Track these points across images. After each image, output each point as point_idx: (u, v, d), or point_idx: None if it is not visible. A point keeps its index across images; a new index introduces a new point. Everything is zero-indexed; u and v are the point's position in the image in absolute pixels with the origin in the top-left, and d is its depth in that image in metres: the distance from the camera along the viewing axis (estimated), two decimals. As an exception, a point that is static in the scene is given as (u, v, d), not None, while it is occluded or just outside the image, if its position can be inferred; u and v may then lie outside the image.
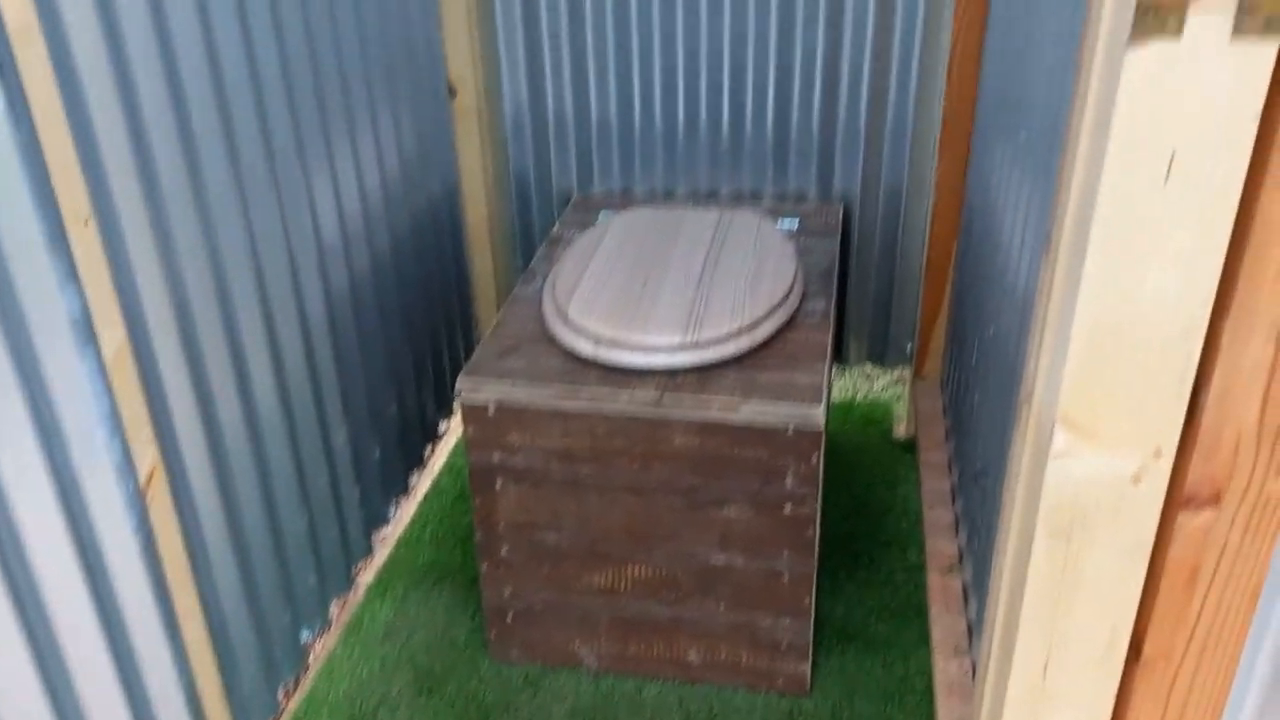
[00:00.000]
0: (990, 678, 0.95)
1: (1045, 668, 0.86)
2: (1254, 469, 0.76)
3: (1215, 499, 0.77)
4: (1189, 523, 0.78)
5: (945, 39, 1.82)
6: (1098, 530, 0.80)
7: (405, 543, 1.88)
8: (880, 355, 2.14)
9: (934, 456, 1.85)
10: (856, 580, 1.77)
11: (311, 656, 1.63)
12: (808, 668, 1.55)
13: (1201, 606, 0.81)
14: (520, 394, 1.43)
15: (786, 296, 1.55)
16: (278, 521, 1.44)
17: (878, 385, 2.32)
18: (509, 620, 1.60)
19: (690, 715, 1.55)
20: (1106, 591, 0.82)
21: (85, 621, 1.01)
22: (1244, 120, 0.65)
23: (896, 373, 2.32)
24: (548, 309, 1.56)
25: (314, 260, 1.49)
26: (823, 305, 1.60)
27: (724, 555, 1.48)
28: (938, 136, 1.89)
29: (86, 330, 0.95)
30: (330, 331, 1.55)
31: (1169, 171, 0.67)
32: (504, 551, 1.54)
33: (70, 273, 0.92)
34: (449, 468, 2.08)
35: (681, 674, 1.60)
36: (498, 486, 1.50)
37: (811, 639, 1.55)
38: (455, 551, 1.86)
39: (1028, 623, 0.84)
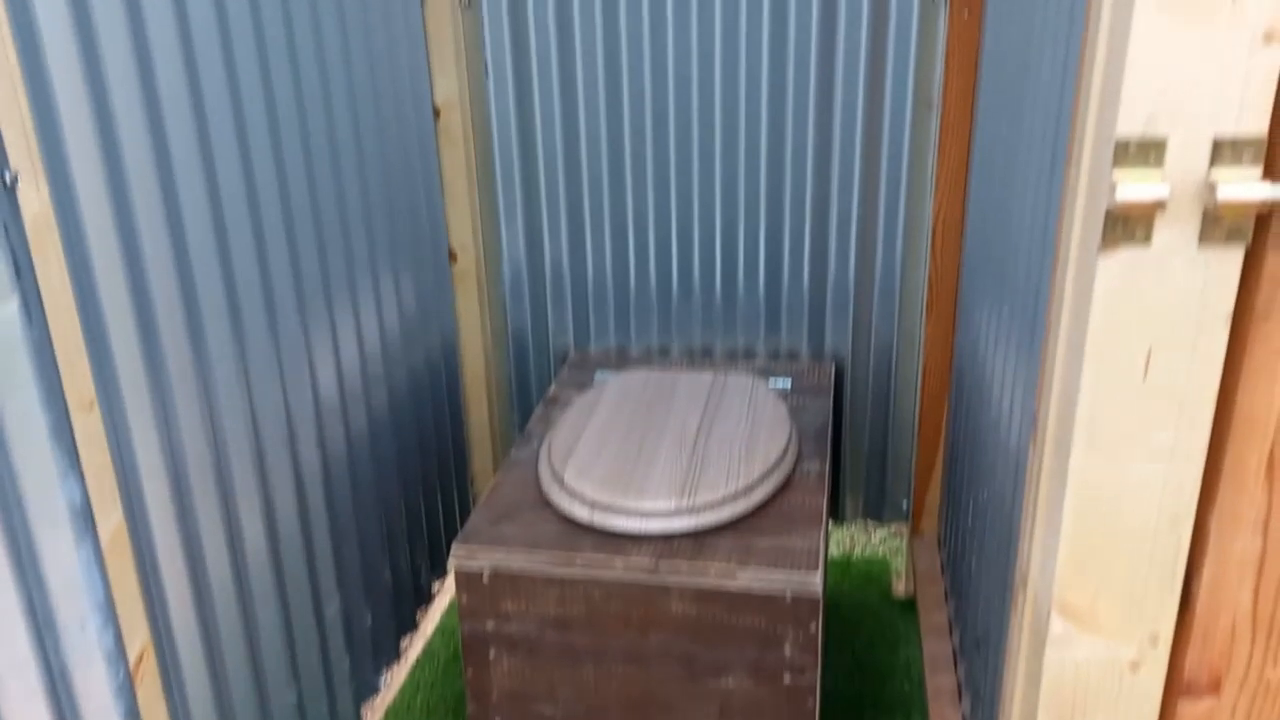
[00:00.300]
0: None
1: None
2: (1251, 657, 0.75)
3: (1215, 687, 0.77)
4: (1189, 710, 0.77)
5: (928, 205, 1.89)
6: (1099, 717, 0.79)
7: (395, 712, 1.83)
8: (877, 512, 2.14)
9: (935, 618, 1.82)
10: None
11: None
12: (812, 847, 1.49)
13: (1211, 799, 0.79)
14: (515, 561, 1.42)
15: (781, 459, 1.56)
16: (266, 697, 1.41)
17: (875, 539, 2.31)
18: (502, 796, 1.55)
19: None
20: (1113, 783, 0.80)
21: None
22: (1217, 319, 0.68)
23: (893, 528, 2.31)
24: (544, 473, 1.56)
25: (312, 425, 1.50)
26: (818, 466, 1.61)
27: (723, 727, 1.44)
28: (925, 296, 1.94)
29: (86, 519, 0.96)
30: (326, 498, 1.55)
31: (1147, 369, 0.70)
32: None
33: (72, 461, 0.93)
34: (441, 629, 2.04)
35: None
36: (491, 656, 1.47)
37: (815, 815, 1.49)
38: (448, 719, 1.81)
39: (1035, 816, 0.82)
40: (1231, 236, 0.66)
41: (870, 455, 2.09)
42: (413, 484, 1.87)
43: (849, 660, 1.92)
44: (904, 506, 2.10)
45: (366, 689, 1.74)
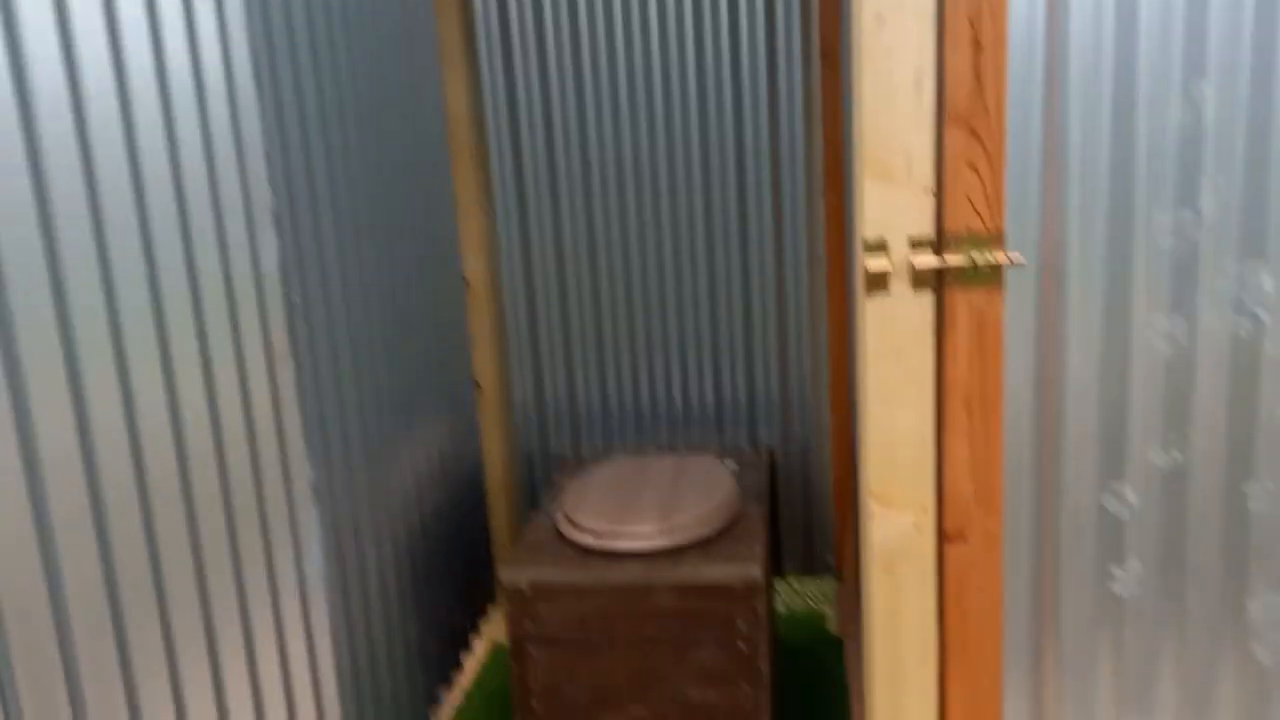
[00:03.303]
0: (868, 679, 1.50)
1: (893, 660, 1.42)
2: (977, 515, 1.38)
3: (963, 536, 1.39)
4: (951, 551, 1.39)
5: (823, 328, 2.59)
6: (902, 562, 1.40)
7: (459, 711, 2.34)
8: (810, 567, 2.74)
9: (855, 646, 2.40)
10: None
11: (381, 812, 2.05)
12: (771, 785, 2.02)
13: (969, 606, 1.40)
14: (546, 575, 2.01)
15: (729, 501, 2.18)
16: (378, 676, 1.95)
17: (812, 594, 2.89)
18: (538, 767, 2.06)
19: (684, 832, 1.98)
20: (917, 603, 1.41)
21: None
22: (927, 330, 1.35)
23: (825, 580, 2.90)
24: (559, 519, 2.17)
25: (385, 522, 2.11)
26: (757, 511, 2.23)
27: (700, 691, 2.00)
28: (828, 396, 2.61)
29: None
30: (409, 557, 2.14)
31: (898, 358, 1.36)
32: (535, 706, 2.04)
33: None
34: (477, 681, 2.56)
35: (674, 801, 2.05)
36: (530, 652, 2.03)
37: (771, 762, 2.03)
38: (486, 737, 2.32)
39: (878, 631, 1.42)
40: (925, 285, 1.33)
41: (802, 521, 2.71)
42: (456, 562, 2.45)
43: (799, 686, 2.47)
44: (829, 561, 2.70)
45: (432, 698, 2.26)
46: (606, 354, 2.68)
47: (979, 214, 1.29)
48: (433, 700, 2.32)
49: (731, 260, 2.59)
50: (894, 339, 1.35)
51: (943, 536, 1.40)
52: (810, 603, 2.86)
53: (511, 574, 2.02)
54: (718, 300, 2.61)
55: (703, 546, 2.05)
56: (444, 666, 2.40)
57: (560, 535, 2.15)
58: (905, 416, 1.37)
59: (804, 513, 2.70)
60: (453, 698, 2.47)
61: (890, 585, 1.40)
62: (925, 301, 1.33)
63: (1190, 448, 1.35)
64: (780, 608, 2.84)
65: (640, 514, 2.11)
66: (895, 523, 1.39)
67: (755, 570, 1.95)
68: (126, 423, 1.22)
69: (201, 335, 1.38)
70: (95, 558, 1.16)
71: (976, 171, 1.28)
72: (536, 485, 2.77)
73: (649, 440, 2.70)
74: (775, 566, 2.73)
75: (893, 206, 1.30)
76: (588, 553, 2.06)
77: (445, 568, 2.42)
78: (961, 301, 1.33)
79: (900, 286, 1.33)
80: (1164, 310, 1.32)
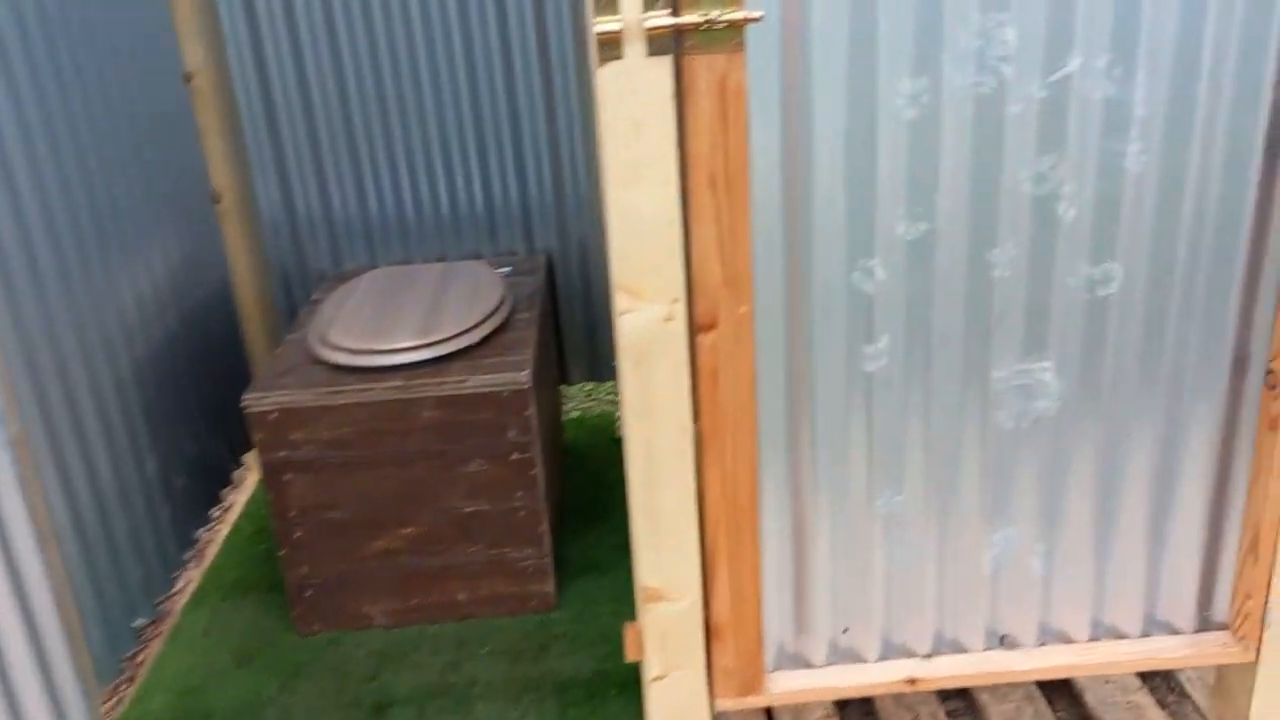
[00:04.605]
0: (629, 478, 1.45)
1: (648, 455, 1.37)
2: (727, 301, 1.31)
3: (713, 323, 1.32)
4: (703, 341, 1.33)
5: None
6: (654, 356, 1.33)
7: (212, 569, 2.21)
8: (597, 374, 2.69)
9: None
10: (593, 529, 2.26)
11: (141, 656, 1.93)
12: (552, 587, 2.01)
13: (723, 396, 1.35)
14: (295, 398, 1.85)
15: (499, 307, 2.06)
16: (108, 514, 1.78)
17: (608, 398, 2.86)
18: (308, 595, 1.97)
19: (464, 643, 1.96)
20: (670, 396, 1.35)
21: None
22: (667, 98, 1.22)
23: (611, 385, 2.88)
24: (312, 339, 2.00)
25: (122, 339, 1.87)
26: (528, 314, 2.12)
27: (473, 504, 1.93)
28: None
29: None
30: (138, 387, 1.93)
31: (638, 133, 1.23)
32: (297, 534, 1.93)
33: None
34: (245, 514, 2.42)
35: (455, 613, 2.01)
36: (286, 479, 1.90)
37: (553, 565, 2.01)
38: (256, 570, 2.21)
39: (631, 427, 1.36)
40: (655, 50, 1.20)
41: (584, 327, 2.63)
42: (206, 388, 2.25)
43: (587, 481, 2.46)
44: (614, 366, 2.66)
45: (185, 541, 2.11)
46: (362, 160, 2.44)
47: (715, -37, 1.15)
48: (189, 543, 2.17)
49: (491, 48, 2.37)
50: (632, 112, 1.22)
51: (694, 326, 1.32)
52: (606, 407, 2.84)
53: (256, 400, 1.85)
54: (480, 96, 2.40)
55: (470, 356, 1.94)
56: (201, 504, 2.24)
57: (313, 355, 1.98)
58: (649, 199, 1.26)
59: (585, 316, 2.63)
60: (214, 535, 2.32)
61: (642, 379, 1.33)
62: (663, 68, 1.20)
63: (937, 217, 1.31)
64: (574, 414, 2.80)
65: (399, 326, 1.97)
66: (645, 315, 1.30)
67: (524, 376, 1.86)
68: None
69: None
70: None
71: (710, -88, 1.13)
72: (297, 305, 2.56)
73: (417, 252, 2.53)
74: (561, 373, 2.66)
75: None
76: (343, 370, 1.91)
77: (194, 399, 2.22)
78: (701, 66, 1.21)
79: (635, 51, 1.19)
80: (908, 71, 1.24)
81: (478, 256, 2.54)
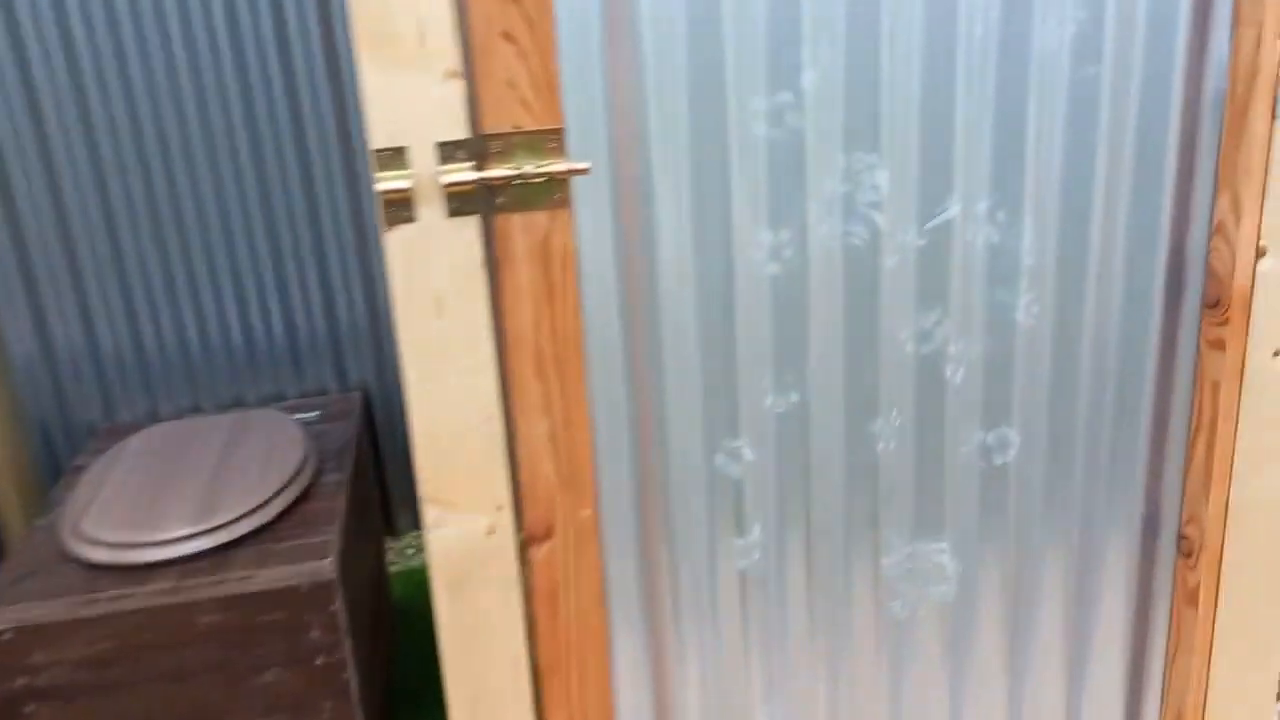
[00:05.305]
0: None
1: (474, 702, 1.09)
2: (565, 504, 1.06)
3: (549, 532, 1.06)
4: (537, 553, 1.07)
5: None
6: (476, 578, 1.06)
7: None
8: (427, 518, 2.37)
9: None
10: (429, 713, 1.93)
11: None
12: (377, 808, 1.67)
13: (565, 615, 1.09)
14: (37, 612, 1.48)
15: (297, 473, 1.74)
16: None
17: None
18: None
19: None
20: (499, 623, 1.08)
21: None
22: (475, 268, 0.98)
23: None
24: (63, 530, 1.63)
25: None
26: (337, 476, 1.81)
27: (272, 720, 1.59)
28: (428, 321, 2.21)
29: None
30: None
31: (440, 310, 0.98)
32: (47, 780, 1.54)
33: None
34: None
35: None
36: (27, 712, 1.51)
37: (376, 780, 1.68)
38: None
39: (451, 667, 1.08)
40: (465, 209, 0.95)
41: (410, 471, 2.33)
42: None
43: (418, 653, 2.13)
44: (446, 508, 2.35)
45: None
46: (133, 285, 2.09)
47: (526, 105, 0.91)
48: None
49: (285, 147, 2.07)
50: (431, 284, 0.97)
51: (525, 538, 1.06)
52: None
53: (-21, 622, 1.47)
54: (273, 204, 2.10)
55: (260, 540, 1.61)
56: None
57: (65, 551, 1.61)
58: (459, 391, 1.00)
59: (411, 457, 2.32)
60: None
61: (462, 608, 1.06)
62: (469, 230, 0.96)
63: (809, 386, 1.10)
64: (402, 567, 2.46)
65: (171, 509, 1.62)
66: (462, 528, 1.04)
67: (327, 565, 1.55)
68: None
69: None
70: None
71: (516, 43, 0.90)
72: (61, 466, 2.16)
73: (207, 396, 2.17)
74: (387, 523, 2.34)
75: (407, 97, 0.90)
76: (101, 570, 1.55)
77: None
78: (518, 226, 0.97)
79: (430, 212, 0.94)
80: (766, 222, 1.03)
81: (280, 398, 2.21)
